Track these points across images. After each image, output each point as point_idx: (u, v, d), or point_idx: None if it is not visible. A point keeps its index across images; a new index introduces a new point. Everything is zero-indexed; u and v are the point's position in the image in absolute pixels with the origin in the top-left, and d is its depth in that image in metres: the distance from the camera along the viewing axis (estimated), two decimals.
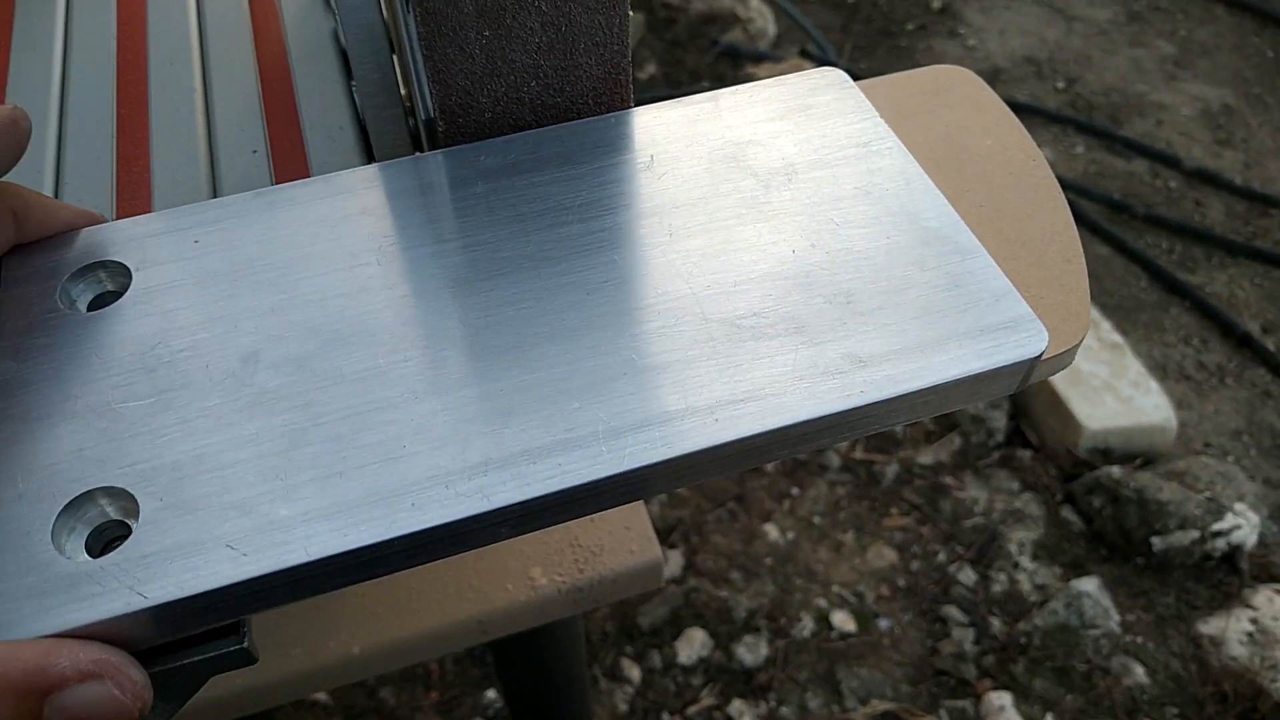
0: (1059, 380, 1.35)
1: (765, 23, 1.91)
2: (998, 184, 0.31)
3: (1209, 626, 1.23)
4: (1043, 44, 2.00)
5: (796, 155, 0.30)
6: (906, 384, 0.25)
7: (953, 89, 0.34)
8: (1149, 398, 1.35)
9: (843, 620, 1.26)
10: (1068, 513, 1.33)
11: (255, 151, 0.33)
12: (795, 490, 1.37)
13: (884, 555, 1.31)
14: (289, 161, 0.33)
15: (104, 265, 0.27)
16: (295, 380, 0.25)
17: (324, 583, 0.23)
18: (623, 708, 1.21)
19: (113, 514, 0.23)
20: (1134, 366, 1.38)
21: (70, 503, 0.23)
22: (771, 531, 1.33)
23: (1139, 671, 1.21)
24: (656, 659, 1.24)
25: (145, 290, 0.27)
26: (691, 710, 1.20)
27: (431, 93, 0.28)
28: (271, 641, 0.48)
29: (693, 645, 1.24)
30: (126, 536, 0.23)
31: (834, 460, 1.39)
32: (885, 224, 0.28)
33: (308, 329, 0.26)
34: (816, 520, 1.34)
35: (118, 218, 0.30)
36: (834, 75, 0.33)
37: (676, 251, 0.28)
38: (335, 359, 0.26)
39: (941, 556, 1.31)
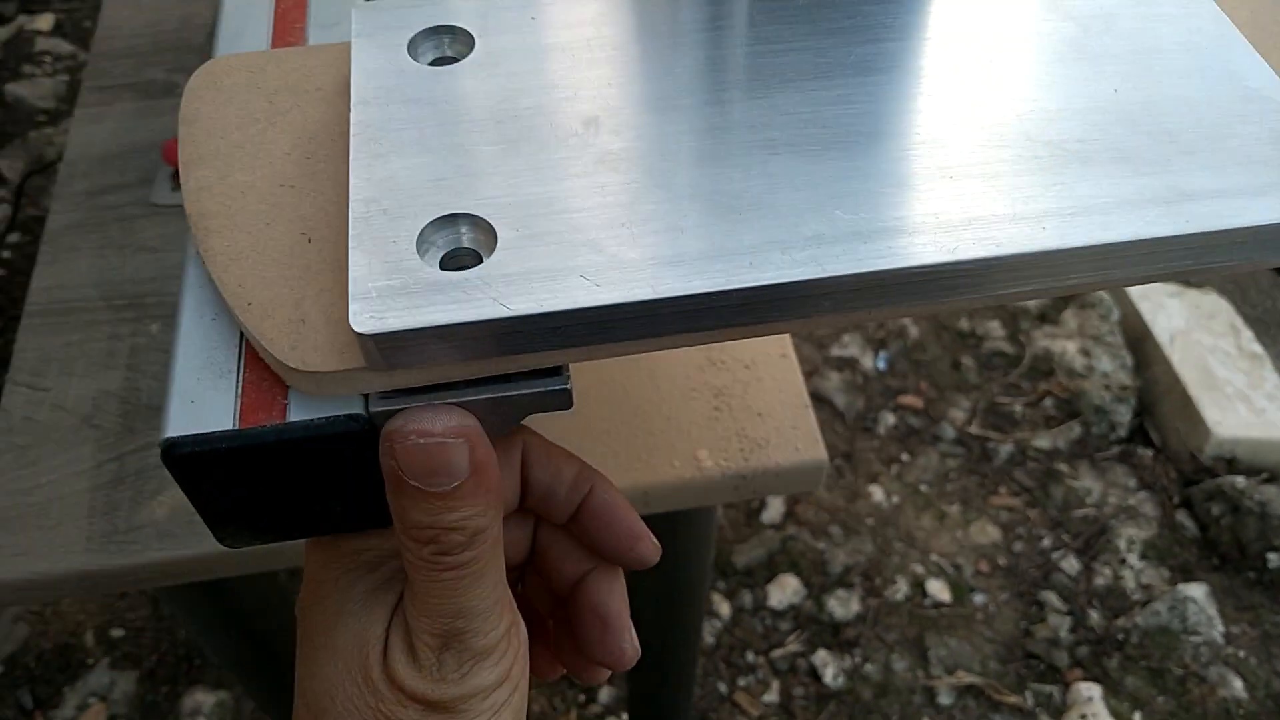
0: (1191, 382, 1.32)
1: None
2: None
3: None
4: None
5: (1116, 5, 0.30)
6: (1231, 219, 0.25)
7: None
8: None
9: (938, 589, 1.26)
10: (1183, 517, 1.30)
11: None
12: (905, 456, 1.36)
13: (988, 532, 1.30)
14: None
15: (449, 30, 0.29)
16: (636, 145, 0.26)
17: (661, 325, 0.24)
18: (709, 640, 1.22)
19: (467, 241, 0.24)
20: (1272, 379, 1.34)
21: (432, 222, 0.24)
22: (876, 493, 1.33)
23: (1237, 684, 1.18)
24: (748, 599, 1.25)
25: (487, 54, 0.28)
26: (776, 654, 1.21)
27: None
28: None
29: (785, 591, 1.25)
30: (478, 261, 0.24)
31: (948, 432, 1.37)
32: (1207, 77, 0.28)
33: (644, 102, 0.27)
34: (923, 488, 1.33)
35: None
36: None
37: (998, 75, 0.28)
38: (671, 131, 0.27)
39: (1046, 542, 1.29)
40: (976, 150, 0.26)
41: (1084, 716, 1.17)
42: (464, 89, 0.27)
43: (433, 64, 0.29)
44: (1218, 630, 1.22)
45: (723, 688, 1.20)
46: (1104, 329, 1.41)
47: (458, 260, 0.24)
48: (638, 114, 0.27)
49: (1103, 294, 1.45)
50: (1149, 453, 1.36)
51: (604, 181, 0.25)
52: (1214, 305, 1.42)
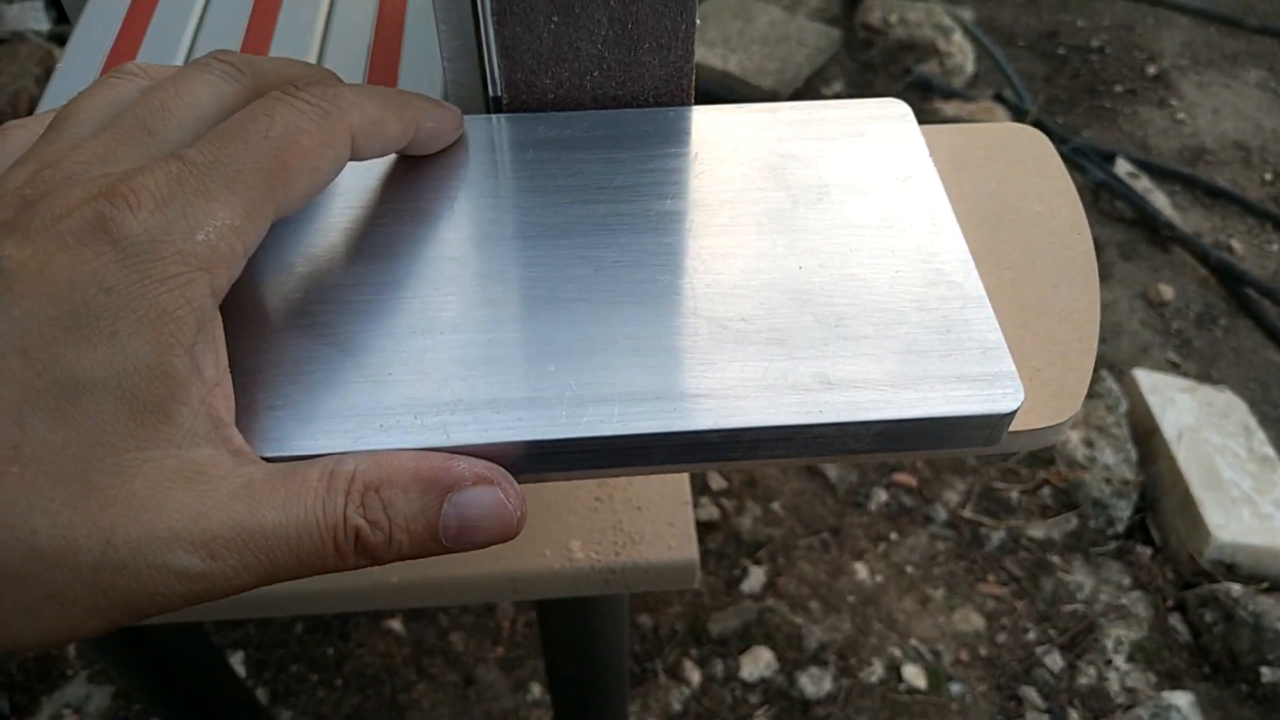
0: (1195, 482, 1.28)
1: (965, 59, 1.87)
2: (1033, 250, 0.31)
3: None
4: (1257, 131, 1.88)
5: (833, 177, 0.31)
6: (866, 413, 0.25)
7: (1017, 148, 0.33)
8: None
9: (914, 675, 1.23)
10: (1176, 621, 1.26)
11: None
12: (894, 535, 1.34)
13: (971, 620, 1.27)
14: None
15: None
16: (319, 298, 0.28)
17: None
18: (676, 707, 1.22)
19: None
20: None
21: None
22: (860, 570, 1.31)
23: None
24: (719, 668, 1.24)
25: None
26: None
27: (499, 68, 0.31)
28: None
29: (758, 663, 1.24)
30: None
31: (940, 514, 1.35)
32: (898, 257, 0.29)
33: (344, 255, 0.29)
34: (909, 569, 1.31)
35: None
36: (897, 107, 0.33)
37: (691, 247, 0.29)
38: (355, 285, 0.28)
39: (1031, 635, 1.26)
40: (638, 325, 0.27)
41: None
42: None
43: None
44: None
45: None
46: (1110, 420, 1.37)
47: None
48: (330, 264, 0.29)
49: (1111, 384, 1.42)
50: (1147, 551, 1.32)
51: (283, 338, 0.27)
52: (1228, 403, 1.38)
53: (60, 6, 1.96)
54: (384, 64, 0.37)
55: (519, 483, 0.26)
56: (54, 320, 0.22)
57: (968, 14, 2.03)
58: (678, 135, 0.32)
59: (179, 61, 0.38)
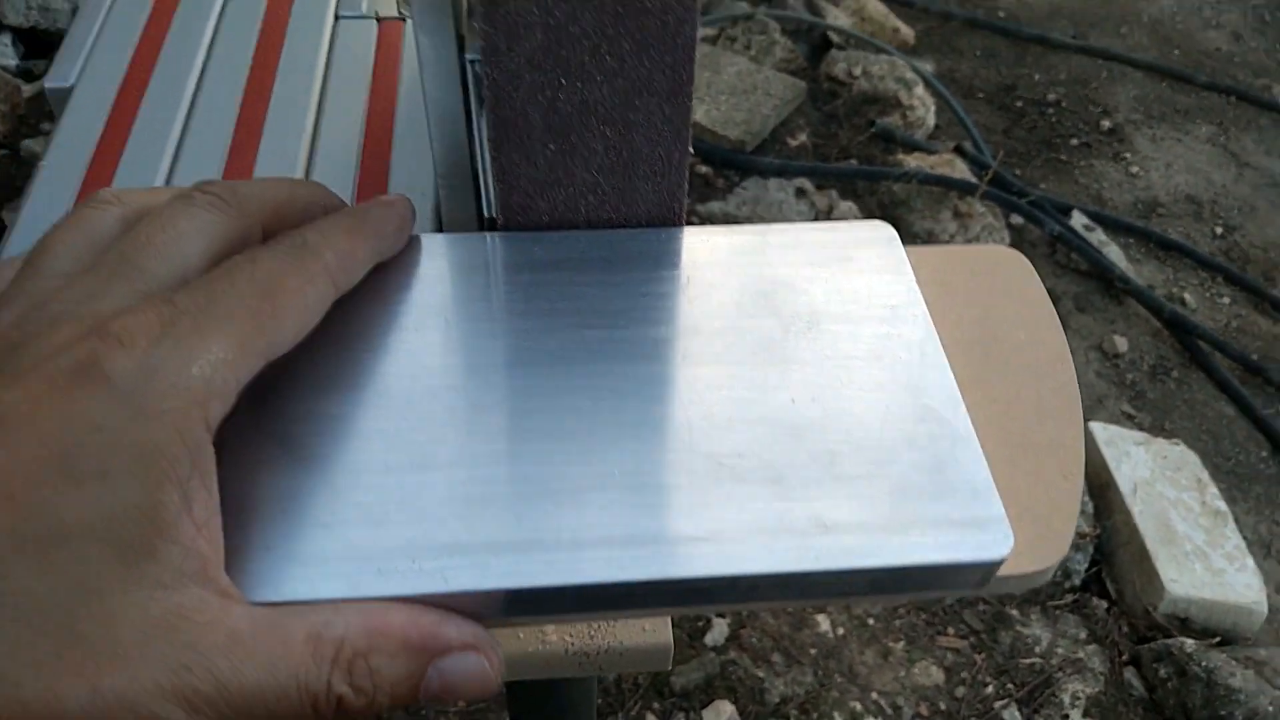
0: (1149, 535, 1.30)
1: (926, 113, 1.90)
2: (1017, 381, 0.31)
3: None
4: (1208, 185, 1.94)
5: (824, 305, 0.31)
6: (862, 559, 0.25)
7: (1002, 272, 0.34)
8: (1242, 575, 1.28)
9: None
10: (1131, 675, 1.27)
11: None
12: None
13: (931, 674, 1.28)
14: None
15: None
16: (315, 430, 0.27)
17: None
18: None
19: None
20: (1234, 539, 1.32)
21: None
22: (823, 623, 1.31)
23: None
24: None
25: None
26: None
27: (495, 192, 0.31)
28: None
29: (720, 717, 1.24)
30: None
31: None
32: (888, 391, 0.29)
33: (341, 383, 0.29)
34: (870, 622, 1.32)
35: None
36: (884, 231, 0.33)
37: (685, 377, 0.29)
38: (355, 415, 0.28)
39: (990, 689, 1.27)
40: (635, 461, 0.27)
41: None
42: None
43: None
44: None
45: None
46: None
47: None
48: (327, 395, 0.28)
49: None
50: (1103, 604, 1.33)
51: (274, 464, 0.26)
52: (1181, 457, 1.41)
53: (29, 42, 1.93)
54: (372, 183, 0.37)
55: (516, 625, 0.26)
56: (42, 463, 0.22)
57: (929, 67, 2.07)
58: (670, 258, 0.32)
59: (158, 183, 0.38)
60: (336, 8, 0.47)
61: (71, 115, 0.41)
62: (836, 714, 1.24)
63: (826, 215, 1.69)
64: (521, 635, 0.56)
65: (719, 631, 1.30)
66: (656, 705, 1.26)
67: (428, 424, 0.28)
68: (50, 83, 0.42)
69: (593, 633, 0.57)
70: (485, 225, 0.34)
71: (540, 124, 0.29)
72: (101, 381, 0.22)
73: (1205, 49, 2.25)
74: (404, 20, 0.46)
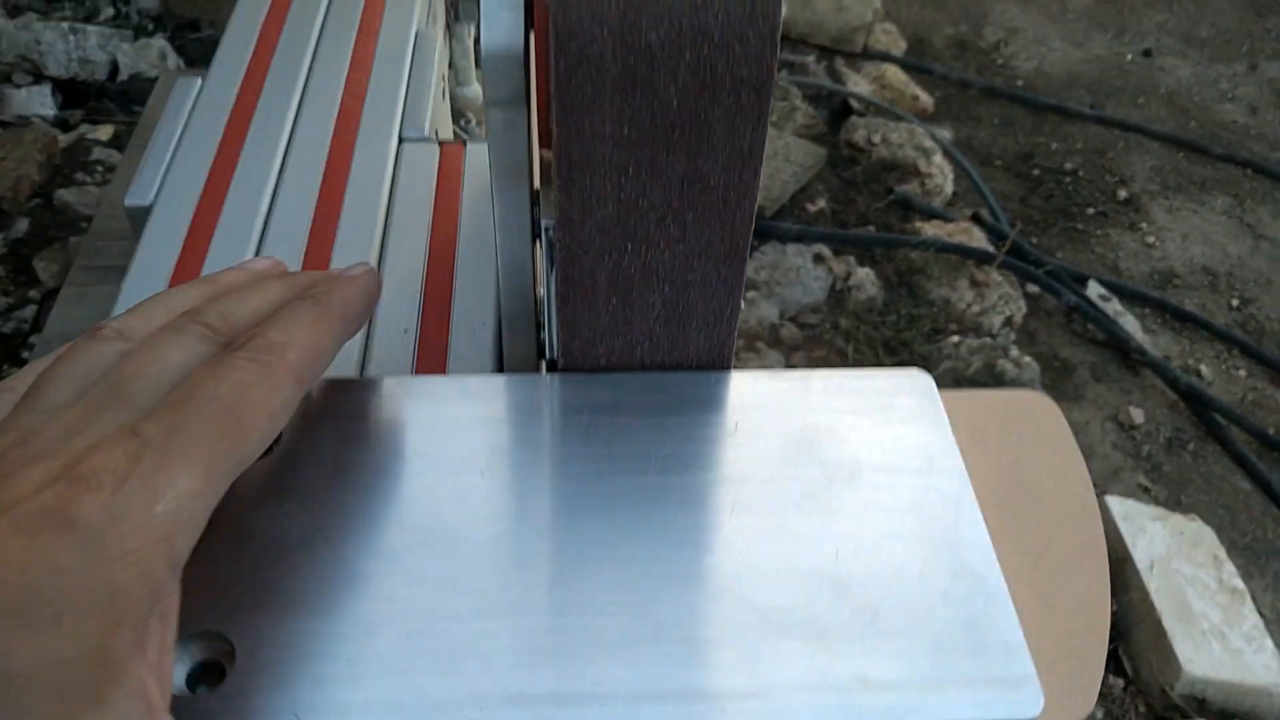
0: (1166, 613, 1.30)
1: (944, 180, 1.93)
2: (1046, 532, 0.33)
3: None
4: (1224, 257, 1.95)
5: (865, 455, 0.33)
6: (901, 717, 0.27)
7: (1032, 419, 0.36)
8: (1260, 656, 1.28)
9: None
10: None
11: (406, 331, 0.38)
12: None
13: None
14: (432, 346, 0.38)
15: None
16: (386, 571, 0.29)
17: None
18: None
19: (210, 655, 0.28)
20: (1251, 619, 1.32)
21: (187, 637, 0.27)
22: None
23: None
24: None
25: (284, 447, 0.32)
26: None
27: (559, 338, 0.33)
28: None
29: None
30: (220, 675, 0.27)
31: None
32: (926, 545, 0.31)
33: (409, 525, 0.30)
34: None
35: None
36: (921, 380, 0.35)
37: (734, 526, 0.31)
38: (423, 558, 0.30)
39: None
40: (688, 612, 0.29)
41: None
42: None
43: None
44: None
45: None
46: None
47: (205, 675, 0.27)
48: (400, 534, 0.30)
49: None
50: (1119, 683, 1.33)
51: (344, 609, 0.28)
52: (1198, 533, 1.41)
53: (66, 92, 1.98)
54: (436, 310, 0.39)
55: None
56: None
57: (947, 134, 2.10)
58: (719, 401, 0.34)
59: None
60: (400, 129, 0.49)
61: (150, 234, 0.43)
62: None
63: (844, 281, 1.71)
64: None
65: None
66: None
67: (492, 570, 0.29)
68: (130, 200, 0.45)
69: None
70: (545, 364, 0.36)
71: (605, 282, 0.31)
72: (67, 526, 0.23)
73: (1222, 121, 2.27)
74: (463, 144, 0.49)
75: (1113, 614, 1.37)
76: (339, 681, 0.27)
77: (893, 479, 0.32)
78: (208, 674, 0.27)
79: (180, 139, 0.49)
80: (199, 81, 0.54)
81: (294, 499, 0.31)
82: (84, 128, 1.97)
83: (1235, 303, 1.88)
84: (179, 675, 0.27)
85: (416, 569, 0.29)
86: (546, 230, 0.31)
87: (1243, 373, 1.76)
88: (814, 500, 0.32)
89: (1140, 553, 1.37)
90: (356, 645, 0.28)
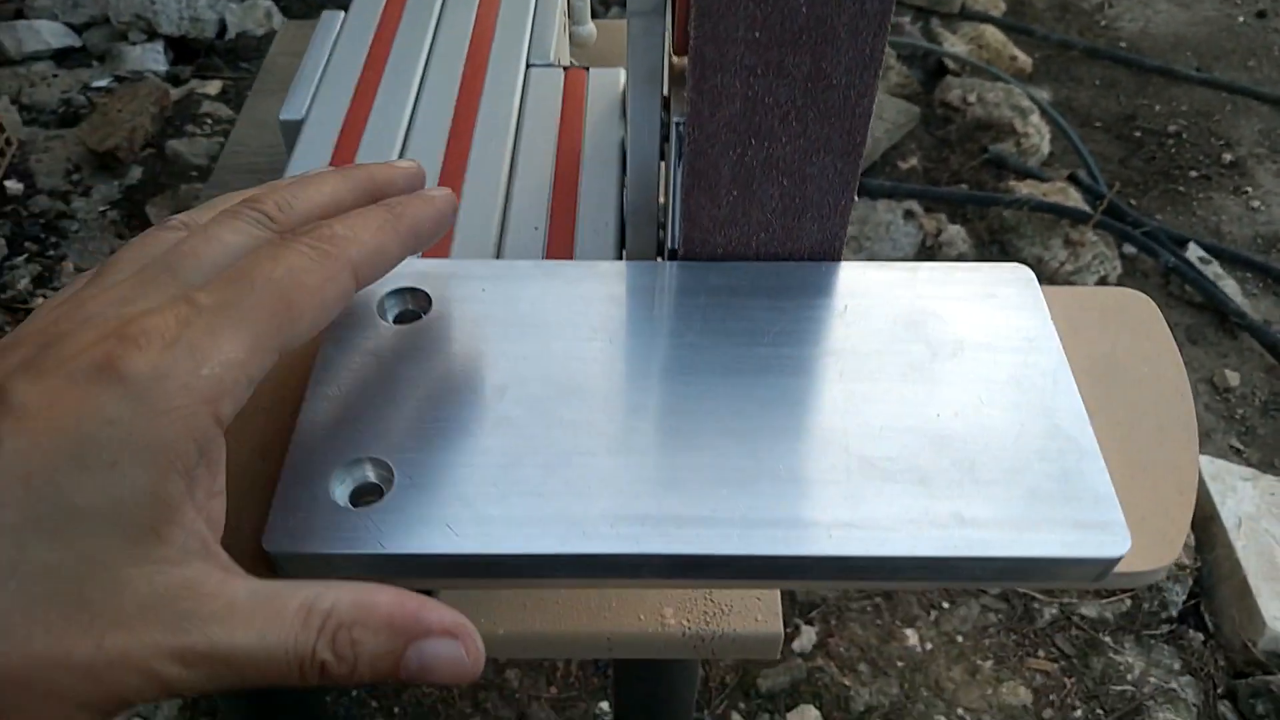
0: (1253, 572, 1.30)
1: (1041, 140, 1.90)
2: (1140, 409, 0.35)
3: None
4: None
5: (968, 334, 0.36)
6: (996, 549, 0.30)
7: (1129, 312, 0.38)
8: None
9: None
10: (1225, 709, 1.27)
11: (536, 228, 0.42)
12: (946, 604, 1.37)
13: (1019, 694, 1.30)
14: (560, 243, 0.42)
15: (413, 291, 0.37)
16: (528, 414, 0.33)
17: (507, 572, 0.31)
18: None
19: (373, 478, 0.32)
20: None
21: (348, 463, 0.32)
22: (911, 637, 1.34)
23: None
24: None
25: (438, 318, 0.36)
26: None
27: (680, 228, 0.36)
28: None
29: None
30: (378, 495, 0.31)
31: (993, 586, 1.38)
32: (1023, 411, 0.34)
33: (548, 378, 0.34)
34: (959, 639, 1.34)
35: (424, 257, 0.39)
36: (1023, 272, 0.38)
37: (841, 390, 0.34)
38: (560, 407, 0.34)
39: (1079, 713, 1.28)
40: (796, 458, 0.32)
41: None
42: (411, 347, 0.35)
43: (397, 320, 0.36)
44: None
45: None
46: None
47: (365, 495, 0.32)
48: (540, 385, 0.34)
49: None
50: (1199, 637, 1.33)
51: (490, 445, 0.32)
52: None
53: (178, 49, 2.07)
54: (563, 215, 0.43)
55: (691, 586, 0.31)
56: (57, 451, 0.24)
57: (1045, 95, 2.07)
58: (829, 288, 0.37)
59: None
60: (528, 56, 0.53)
61: (303, 146, 0.48)
62: None
63: (935, 238, 1.71)
64: (642, 618, 0.62)
65: (806, 639, 1.34)
66: (743, 705, 1.30)
67: (620, 417, 0.33)
68: (285, 115, 0.49)
69: (708, 618, 0.62)
70: (666, 255, 0.40)
71: (728, 175, 0.35)
72: (117, 381, 0.24)
73: None
74: (586, 69, 0.53)
75: (1196, 570, 1.37)
76: (486, 500, 0.31)
77: (993, 355, 0.35)
78: (371, 494, 0.32)
79: (328, 63, 0.53)
80: (342, 15, 0.58)
81: (443, 356, 0.35)
82: (194, 83, 2.06)
83: None
84: (343, 495, 0.31)
85: (554, 414, 0.33)
86: (677, 125, 0.34)
87: None
88: (918, 371, 0.35)
89: (1228, 511, 1.36)
90: (501, 473, 0.32)
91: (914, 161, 1.86)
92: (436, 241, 0.34)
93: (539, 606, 0.59)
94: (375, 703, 1.27)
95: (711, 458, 0.32)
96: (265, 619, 0.25)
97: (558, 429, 0.33)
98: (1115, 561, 0.30)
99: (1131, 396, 0.36)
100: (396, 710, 1.26)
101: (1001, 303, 0.37)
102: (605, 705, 1.27)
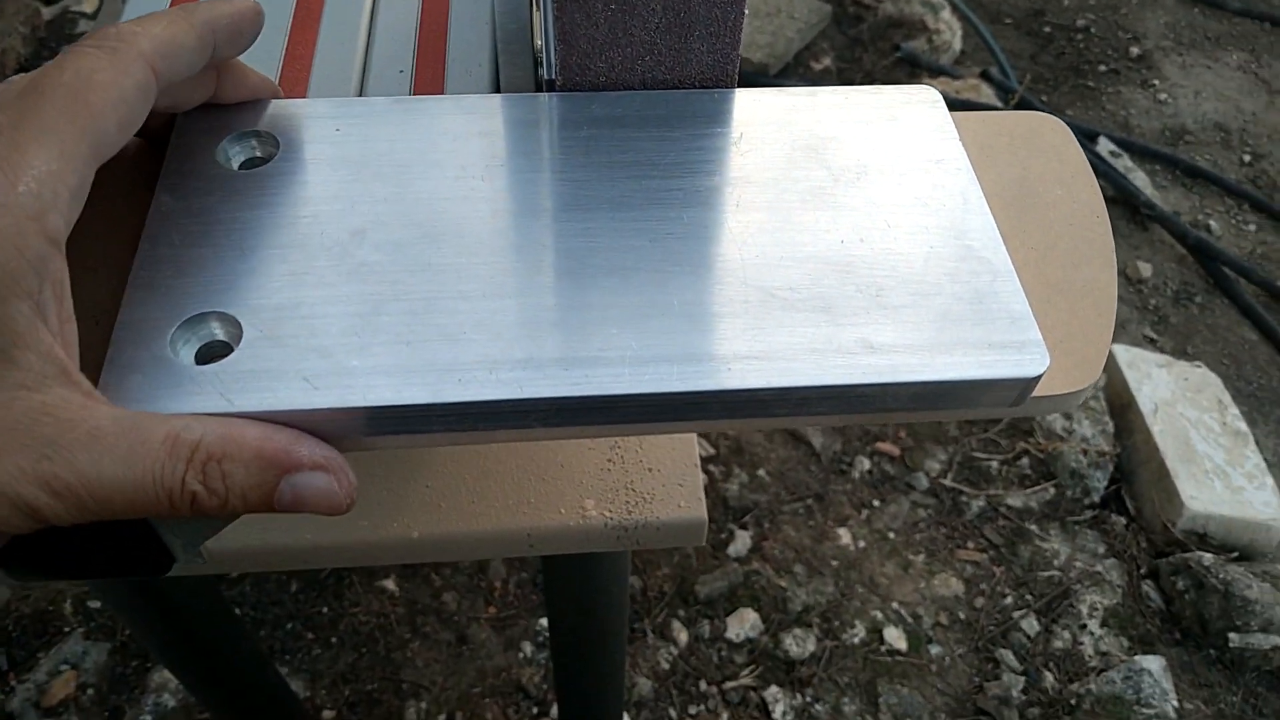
0: (1170, 455, 1.32)
1: (952, 37, 1.89)
2: (1055, 231, 0.33)
3: None
4: (1237, 113, 1.92)
5: (871, 158, 0.33)
6: (905, 375, 0.28)
7: (1041, 136, 0.36)
8: (1261, 493, 1.30)
9: (895, 637, 1.27)
10: (1149, 588, 1.30)
11: (401, 71, 0.38)
12: (876, 502, 1.38)
13: (950, 585, 1.31)
14: (428, 85, 0.37)
15: (258, 134, 0.33)
16: (390, 260, 0.30)
17: (376, 428, 0.27)
18: (664, 666, 1.25)
19: (220, 335, 0.28)
20: (1253, 459, 1.34)
21: (190, 318, 0.28)
22: (844, 536, 1.35)
23: None
24: (706, 629, 1.28)
25: (287, 162, 0.32)
26: (729, 685, 1.24)
27: (555, 51, 0.32)
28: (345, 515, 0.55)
29: (743, 624, 1.28)
30: (226, 355, 0.28)
31: (922, 482, 1.39)
32: (932, 234, 0.31)
33: (411, 221, 0.31)
34: (891, 535, 1.35)
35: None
36: (929, 94, 0.35)
37: (738, 221, 0.31)
38: (427, 250, 0.30)
39: (1009, 600, 1.30)
40: (693, 293, 0.29)
41: None
42: (256, 194, 0.31)
43: (243, 166, 0.32)
44: (1171, 704, 1.22)
45: (673, 714, 1.23)
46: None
47: (211, 352, 0.28)
48: (402, 228, 0.31)
49: None
50: (1121, 521, 1.36)
51: (349, 293, 0.29)
52: (1203, 379, 1.42)
53: None
54: (430, 53, 0.38)
55: (585, 434, 0.28)
56: None
57: None
58: (723, 116, 0.34)
59: None
60: None
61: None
62: (858, 622, 1.28)
63: None
64: (563, 511, 0.59)
65: (741, 543, 1.34)
66: (682, 613, 1.30)
67: (498, 259, 0.30)
68: None
69: (630, 508, 0.60)
70: (544, 88, 0.36)
71: None
72: None
73: None
74: None
75: (1116, 456, 1.39)
76: (346, 351, 0.28)
77: (899, 178, 0.33)
78: (220, 355, 0.28)
79: None
80: None
81: (293, 201, 0.31)
82: (67, 0, 1.94)
83: (1247, 158, 1.86)
84: (188, 355, 0.28)
85: (420, 258, 0.30)
86: None
87: (1252, 227, 1.75)
88: (820, 198, 0.32)
89: (1144, 397, 1.38)
90: (362, 322, 0.28)
91: (827, 62, 1.83)
92: (244, 47, 0.32)
93: (454, 506, 0.56)
94: (311, 634, 1.24)
95: (599, 296, 0.29)
96: (131, 446, 0.25)
97: (424, 274, 0.29)
98: (1033, 382, 0.28)
99: (1046, 219, 0.33)
100: (334, 640, 1.23)
101: (907, 125, 0.34)
102: (545, 622, 1.26)
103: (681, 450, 0.61)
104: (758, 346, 0.28)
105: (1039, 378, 0.28)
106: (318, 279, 0.29)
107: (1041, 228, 0.33)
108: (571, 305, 0.29)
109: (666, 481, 0.60)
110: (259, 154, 0.33)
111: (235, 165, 0.32)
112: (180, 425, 0.25)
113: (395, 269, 0.29)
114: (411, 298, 0.29)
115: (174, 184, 0.31)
